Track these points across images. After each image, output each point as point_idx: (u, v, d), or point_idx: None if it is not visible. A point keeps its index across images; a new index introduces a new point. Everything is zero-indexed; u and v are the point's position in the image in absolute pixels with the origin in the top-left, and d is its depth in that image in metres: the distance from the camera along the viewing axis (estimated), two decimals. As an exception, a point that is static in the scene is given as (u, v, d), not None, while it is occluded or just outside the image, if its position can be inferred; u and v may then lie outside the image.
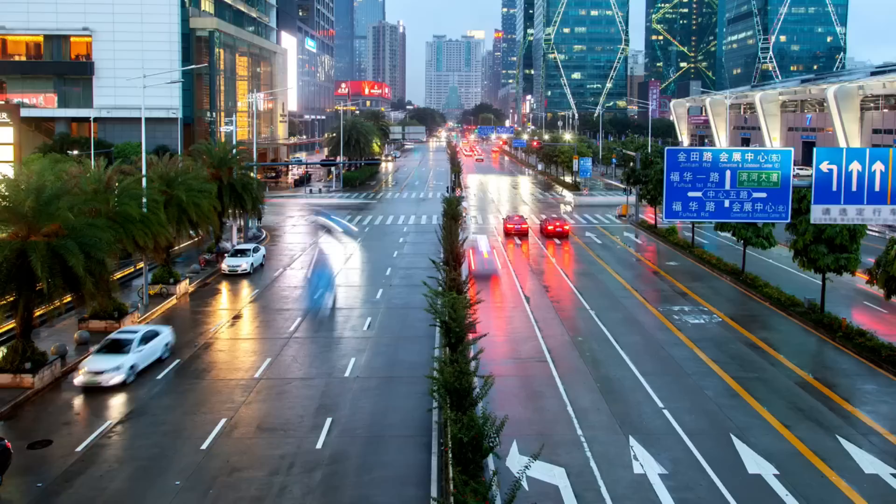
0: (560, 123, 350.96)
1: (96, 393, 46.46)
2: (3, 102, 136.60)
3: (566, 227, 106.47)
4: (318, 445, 39.13)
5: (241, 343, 57.84)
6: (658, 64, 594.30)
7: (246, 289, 75.57)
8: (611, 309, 68.00)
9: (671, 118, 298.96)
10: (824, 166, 51.55)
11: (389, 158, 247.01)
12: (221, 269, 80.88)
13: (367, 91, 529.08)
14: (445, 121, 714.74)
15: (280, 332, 60.52)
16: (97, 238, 47.18)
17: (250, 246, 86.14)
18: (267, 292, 74.66)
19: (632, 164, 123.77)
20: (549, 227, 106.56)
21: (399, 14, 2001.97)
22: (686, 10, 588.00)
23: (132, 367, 48.60)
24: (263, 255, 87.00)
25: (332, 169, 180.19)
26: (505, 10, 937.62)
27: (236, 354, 54.79)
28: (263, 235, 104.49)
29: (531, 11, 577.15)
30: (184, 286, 72.81)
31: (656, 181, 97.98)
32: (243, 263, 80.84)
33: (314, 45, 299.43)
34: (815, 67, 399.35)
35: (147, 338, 51.20)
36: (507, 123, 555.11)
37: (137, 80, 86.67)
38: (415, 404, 44.50)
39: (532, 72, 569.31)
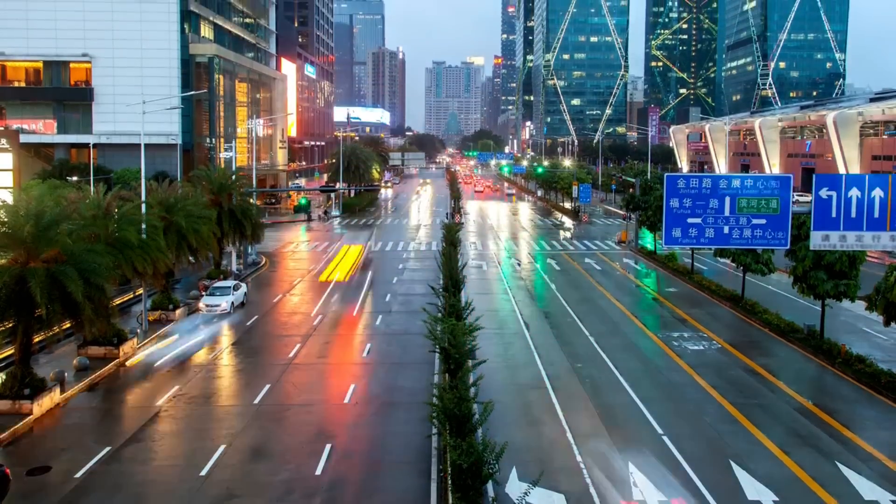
0: (560, 149, 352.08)
1: (93, 420, 46.47)
2: (2, 128, 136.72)
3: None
4: (318, 472, 39.06)
5: (241, 369, 57.72)
6: (657, 90, 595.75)
7: (243, 314, 75.46)
8: (610, 335, 67.94)
9: (671, 144, 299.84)
10: (824, 192, 51.57)
11: (389, 185, 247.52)
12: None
13: (366, 117, 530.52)
14: (445, 147, 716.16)
15: (279, 357, 60.46)
16: (96, 264, 47.23)
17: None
18: (266, 317, 74.64)
19: (631, 190, 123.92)
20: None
21: (399, 40, 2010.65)
22: (685, 37, 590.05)
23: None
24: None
25: (332, 195, 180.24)
26: (504, 36, 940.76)
27: (235, 380, 54.74)
28: (262, 261, 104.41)
29: (531, 38, 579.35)
30: (183, 312, 72.78)
31: (656, 207, 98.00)
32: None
33: (314, 71, 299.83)
34: (814, 94, 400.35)
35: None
36: (507, 149, 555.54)
37: (137, 106, 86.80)
38: (414, 430, 44.41)
39: (532, 98, 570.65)
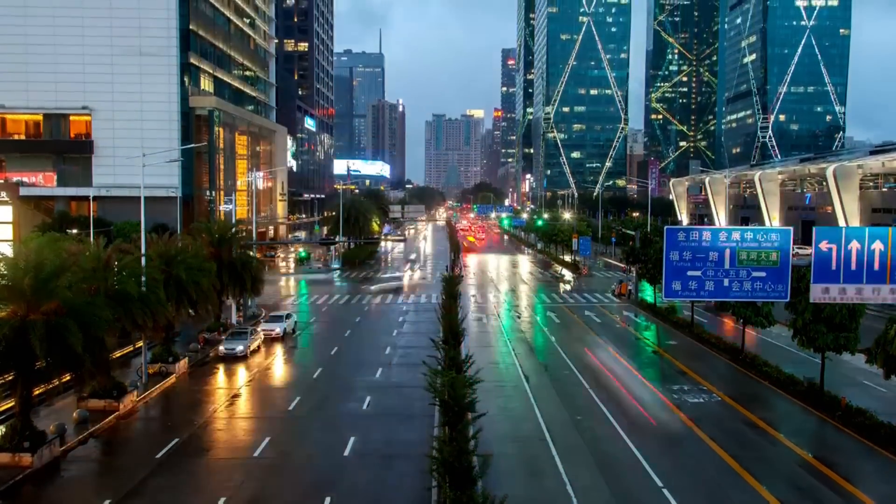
0: (560, 202, 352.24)
1: (94, 473, 46.30)
2: (2, 181, 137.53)
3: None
4: (317, 525, 38.89)
5: (240, 422, 57.58)
6: (657, 142, 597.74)
7: (242, 368, 75.30)
8: (610, 387, 67.83)
9: (670, 197, 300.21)
10: (824, 245, 51.71)
11: (389, 238, 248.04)
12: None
13: (366, 169, 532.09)
14: (445, 199, 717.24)
15: (278, 410, 60.38)
16: (96, 316, 47.27)
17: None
18: (265, 371, 74.56)
19: (631, 242, 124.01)
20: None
21: (399, 93, 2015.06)
22: (685, 90, 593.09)
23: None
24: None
25: (332, 248, 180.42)
26: (504, 88, 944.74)
27: (235, 433, 54.58)
28: (262, 314, 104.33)
29: (531, 90, 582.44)
30: (183, 365, 72.70)
31: (655, 260, 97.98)
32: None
33: (313, 124, 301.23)
34: (814, 146, 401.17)
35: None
36: (507, 202, 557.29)
37: (137, 158, 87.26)
38: (414, 483, 44.24)
39: (532, 150, 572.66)
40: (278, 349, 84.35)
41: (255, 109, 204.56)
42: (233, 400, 63.62)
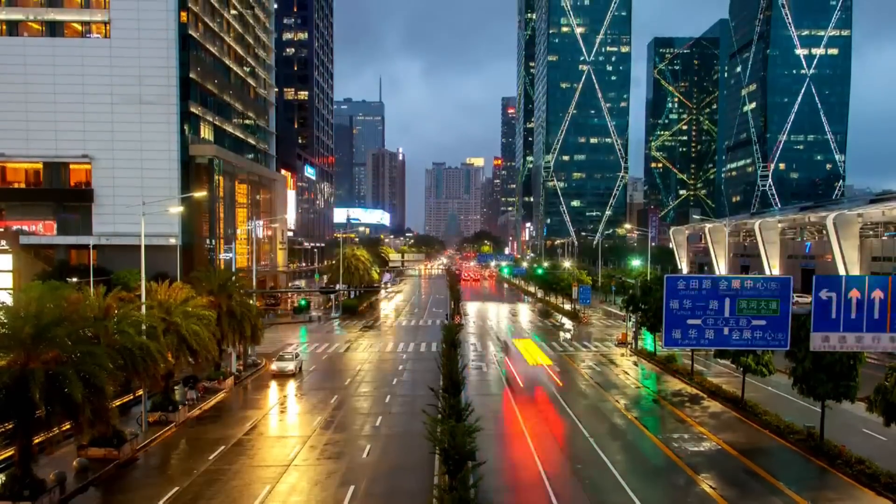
0: (560, 251, 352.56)
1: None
2: (2, 230, 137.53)
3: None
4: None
5: (240, 471, 57.29)
6: (657, 191, 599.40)
7: (242, 416, 75.20)
8: (610, 435, 67.78)
9: (671, 245, 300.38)
10: (823, 294, 51.82)
11: (389, 286, 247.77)
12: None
13: (366, 218, 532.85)
14: (445, 248, 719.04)
15: (279, 459, 60.12)
16: (96, 365, 47.21)
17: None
18: (266, 418, 74.46)
19: (631, 291, 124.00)
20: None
21: (399, 141, 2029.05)
22: (685, 138, 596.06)
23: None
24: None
25: (332, 296, 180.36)
26: (504, 138, 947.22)
27: (235, 483, 54.30)
28: (262, 363, 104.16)
29: (531, 139, 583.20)
30: (183, 413, 72.56)
31: (655, 308, 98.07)
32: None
33: (313, 173, 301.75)
34: (814, 195, 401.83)
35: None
36: (507, 250, 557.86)
37: (137, 206, 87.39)
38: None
39: (532, 199, 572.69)
40: (279, 397, 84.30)
41: (255, 158, 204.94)
42: (234, 449, 63.40)
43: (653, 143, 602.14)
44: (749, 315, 54.06)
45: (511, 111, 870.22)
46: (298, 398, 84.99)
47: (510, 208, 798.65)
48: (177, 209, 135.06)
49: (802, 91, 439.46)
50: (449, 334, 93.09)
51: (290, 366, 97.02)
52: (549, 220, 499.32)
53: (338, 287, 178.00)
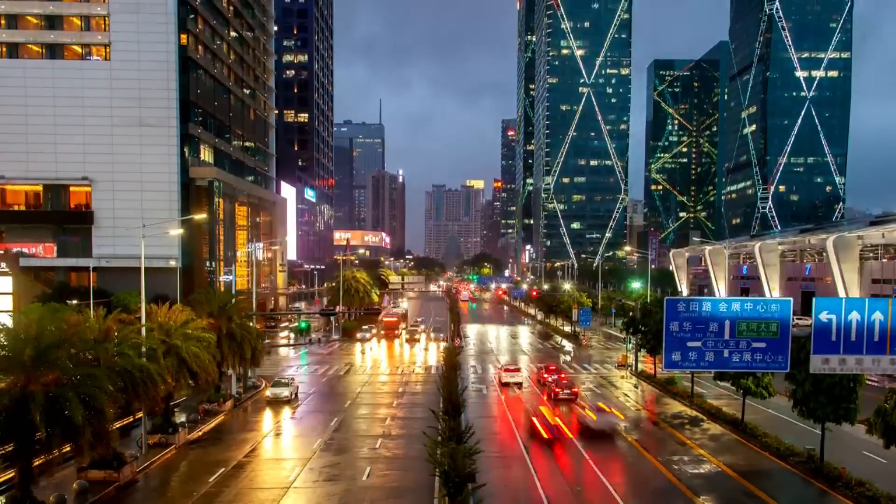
0: (559, 273, 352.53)
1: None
2: (2, 252, 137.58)
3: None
4: None
5: (241, 494, 57.18)
6: (657, 213, 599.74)
7: (242, 438, 75.14)
8: (610, 458, 67.74)
9: (671, 267, 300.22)
10: (823, 316, 51.83)
11: (389, 308, 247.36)
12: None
13: (366, 240, 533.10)
14: (445, 270, 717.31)
15: (279, 482, 60.06)
16: (96, 388, 47.19)
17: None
18: (266, 440, 74.39)
19: (631, 313, 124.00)
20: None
21: (399, 164, 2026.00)
22: (685, 161, 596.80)
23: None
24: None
25: (332, 318, 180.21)
26: (504, 160, 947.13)
27: (234, 505, 54.29)
28: (262, 385, 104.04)
29: (531, 161, 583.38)
30: (183, 435, 72.49)
31: (656, 331, 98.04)
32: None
33: (313, 195, 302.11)
34: (814, 217, 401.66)
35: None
36: (507, 273, 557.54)
37: (137, 229, 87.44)
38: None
39: (531, 221, 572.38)
40: (279, 420, 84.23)
41: (255, 180, 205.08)
42: (234, 471, 63.33)
43: (653, 165, 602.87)
44: (749, 337, 54.09)
45: (511, 133, 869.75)
46: (298, 420, 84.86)
47: (510, 230, 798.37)
48: (177, 231, 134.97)
49: (802, 113, 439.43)
50: (449, 357, 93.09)
51: (286, 392, 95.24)
52: (549, 243, 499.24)
53: (337, 309, 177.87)
